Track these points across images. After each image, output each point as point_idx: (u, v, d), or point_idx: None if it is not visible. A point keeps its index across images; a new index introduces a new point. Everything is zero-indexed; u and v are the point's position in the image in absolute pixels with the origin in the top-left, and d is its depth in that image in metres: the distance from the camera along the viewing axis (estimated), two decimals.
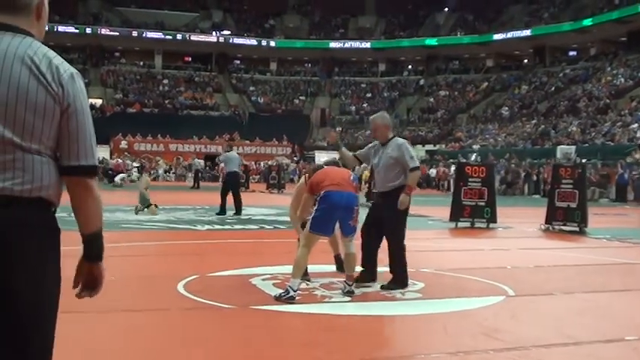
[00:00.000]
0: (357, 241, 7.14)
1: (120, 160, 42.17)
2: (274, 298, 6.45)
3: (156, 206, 16.95)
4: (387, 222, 7.29)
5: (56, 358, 2.15)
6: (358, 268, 7.28)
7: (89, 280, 2.50)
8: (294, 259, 6.56)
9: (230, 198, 17.28)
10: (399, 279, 7.23)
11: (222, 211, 17.17)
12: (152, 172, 23.71)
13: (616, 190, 29.30)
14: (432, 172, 42.31)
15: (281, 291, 6.56)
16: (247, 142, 51.77)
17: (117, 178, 35.14)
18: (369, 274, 7.39)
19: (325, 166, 7.50)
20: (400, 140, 7.52)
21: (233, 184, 17.72)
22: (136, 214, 16.63)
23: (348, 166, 8.02)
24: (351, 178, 6.99)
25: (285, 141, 53.15)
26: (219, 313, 6.09)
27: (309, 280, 7.45)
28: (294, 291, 6.41)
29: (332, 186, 6.71)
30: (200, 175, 39.16)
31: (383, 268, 7.86)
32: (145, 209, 16.86)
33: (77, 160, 2.30)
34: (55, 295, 2.35)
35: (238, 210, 17.21)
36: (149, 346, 5.05)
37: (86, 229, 2.45)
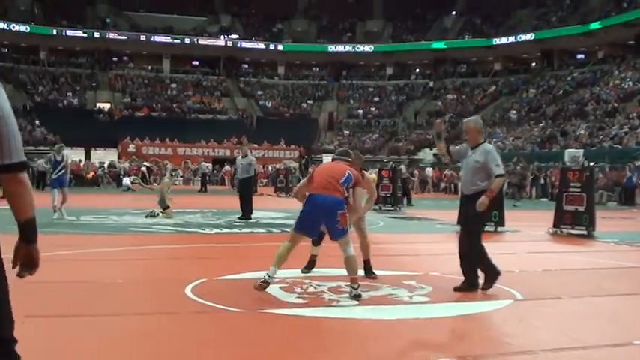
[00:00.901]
0: (355, 244, 7.20)
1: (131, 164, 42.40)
2: (254, 287, 6.81)
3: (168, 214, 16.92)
4: (466, 224, 7.54)
5: None
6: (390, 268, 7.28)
7: (28, 260, 2.85)
8: (277, 251, 6.95)
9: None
10: (469, 281, 7.40)
11: (249, 214, 17.19)
12: (174, 173, 22.99)
13: (624, 194, 29.21)
14: (429, 171, 42.27)
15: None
16: (255, 145, 51.84)
17: (126, 181, 35.26)
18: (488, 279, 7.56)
19: (333, 159, 7.68)
20: (488, 147, 7.64)
21: (250, 189, 17.86)
22: (146, 217, 16.63)
23: (441, 159, 8.29)
24: (342, 180, 7.05)
25: (292, 144, 53.18)
26: (228, 317, 6.11)
27: (308, 272, 8.15)
28: (270, 277, 6.82)
29: (318, 189, 7.00)
30: (207, 178, 39.26)
31: (386, 272, 7.86)
32: (160, 213, 16.84)
33: (10, 158, 2.64)
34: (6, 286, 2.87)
35: (248, 215, 17.19)
36: (158, 350, 5.07)
37: (23, 216, 2.76)
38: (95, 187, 38.48)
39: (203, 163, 40.99)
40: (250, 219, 16.85)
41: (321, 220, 7.01)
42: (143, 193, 27.75)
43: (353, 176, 7.17)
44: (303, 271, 8.16)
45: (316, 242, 8.09)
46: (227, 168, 44.84)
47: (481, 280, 7.47)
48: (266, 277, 6.80)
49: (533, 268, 9.58)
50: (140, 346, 5.19)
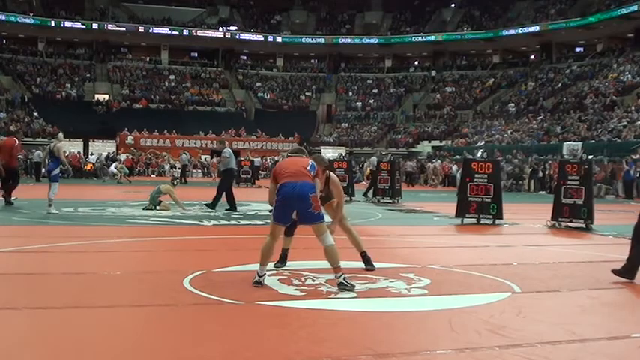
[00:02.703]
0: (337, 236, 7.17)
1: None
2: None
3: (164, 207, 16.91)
4: None
5: (64, 351, 2.17)
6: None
7: None
8: (261, 248, 7.04)
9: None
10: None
11: (234, 206, 17.22)
12: (176, 182, 21.98)
13: (622, 187, 29.21)
14: (438, 164, 42.17)
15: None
16: (253, 137, 51.86)
17: (112, 168, 35.58)
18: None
19: (289, 156, 7.66)
20: None
21: (230, 181, 17.81)
22: (144, 209, 16.63)
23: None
24: (308, 167, 7.14)
25: (290, 137, 53.19)
26: (226, 309, 6.11)
27: (281, 266, 8.04)
28: (260, 276, 6.94)
29: (286, 178, 7.04)
30: (187, 170, 39.33)
31: (384, 264, 7.86)
32: (157, 207, 16.83)
33: None
34: None
35: (213, 205, 17.30)
36: (155, 342, 5.07)
37: None
38: (94, 178, 38.51)
39: (183, 155, 40.97)
40: (213, 209, 16.83)
41: (293, 206, 7.00)
42: (135, 185, 27.76)
43: (315, 165, 7.31)
44: (276, 266, 7.96)
45: (289, 233, 7.98)
46: (213, 160, 45.10)
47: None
48: (257, 278, 6.91)
49: (532, 261, 9.58)
50: (138, 337, 5.19)
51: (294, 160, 7.37)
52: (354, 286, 6.91)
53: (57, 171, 15.55)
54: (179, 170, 44.08)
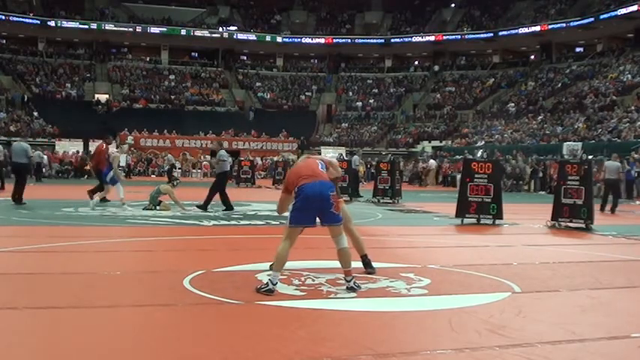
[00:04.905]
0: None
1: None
2: (255, 290, 6.63)
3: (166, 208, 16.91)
4: None
5: (64, 351, 2.17)
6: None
7: None
8: (276, 253, 6.79)
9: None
10: None
11: (230, 206, 17.26)
12: (175, 182, 21.31)
13: (622, 187, 29.16)
14: (432, 163, 42.19)
15: (262, 284, 6.75)
16: (253, 137, 51.84)
17: (111, 174, 35.58)
18: None
19: (299, 162, 7.61)
20: None
21: (224, 183, 17.80)
22: (144, 209, 16.64)
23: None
24: (320, 167, 7.15)
25: (290, 136, 53.21)
26: (226, 309, 6.11)
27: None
28: (274, 284, 6.64)
29: (304, 180, 6.95)
30: (174, 170, 39.32)
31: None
32: (157, 207, 16.85)
33: None
34: None
35: (204, 206, 17.32)
36: (155, 342, 5.07)
37: None
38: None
39: (169, 156, 40.91)
40: (205, 210, 16.81)
41: (316, 206, 6.90)
42: (135, 185, 27.75)
43: (324, 161, 7.37)
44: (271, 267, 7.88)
45: None
46: (205, 162, 45.00)
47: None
48: (270, 286, 6.62)
49: (532, 261, 9.58)
50: (138, 337, 5.19)
51: (305, 164, 7.34)
52: (361, 287, 6.95)
53: (111, 174, 17.18)
54: (179, 170, 44.14)
